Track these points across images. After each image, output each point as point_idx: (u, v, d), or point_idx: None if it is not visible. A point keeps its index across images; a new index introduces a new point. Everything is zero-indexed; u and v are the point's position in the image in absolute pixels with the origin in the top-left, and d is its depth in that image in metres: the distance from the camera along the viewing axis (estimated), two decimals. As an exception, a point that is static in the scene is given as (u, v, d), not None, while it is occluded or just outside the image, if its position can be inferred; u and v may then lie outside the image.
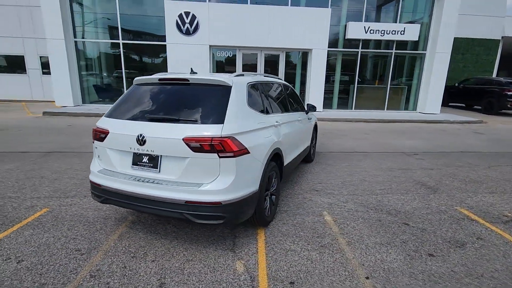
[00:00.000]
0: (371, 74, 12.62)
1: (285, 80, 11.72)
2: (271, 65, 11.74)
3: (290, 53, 11.70)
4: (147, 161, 2.37)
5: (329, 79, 11.97)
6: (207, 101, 2.43)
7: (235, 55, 11.35)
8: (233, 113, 2.37)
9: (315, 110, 4.83)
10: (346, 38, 11.34)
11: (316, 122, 5.46)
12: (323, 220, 3.13)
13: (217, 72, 11.69)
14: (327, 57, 11.33)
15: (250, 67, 11.62)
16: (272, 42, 10.98)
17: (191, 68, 2.92)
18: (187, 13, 10.51)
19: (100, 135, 2.52)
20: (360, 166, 5.19)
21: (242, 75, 2.94)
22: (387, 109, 12.44)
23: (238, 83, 2.62)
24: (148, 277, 2.17)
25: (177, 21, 10.56)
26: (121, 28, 11.07)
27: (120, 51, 11.30)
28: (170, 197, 2.22)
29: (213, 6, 10.66)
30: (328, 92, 12.06)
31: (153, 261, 2.37)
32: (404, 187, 4.18)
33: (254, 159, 2.45)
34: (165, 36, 10.83)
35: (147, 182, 2.32)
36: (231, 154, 2.20)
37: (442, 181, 4.49)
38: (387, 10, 11.92)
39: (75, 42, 11.13)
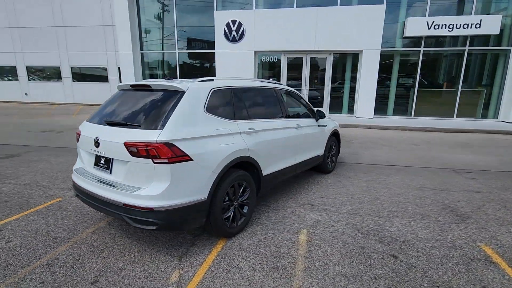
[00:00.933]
0: (437, 75, 10.90)
1: (333, 84, 11.09)
2: (317, 69, 11.26)
3: (338, 55, 11.00)
4: (104, 163, 2.52)
5: (383, 82, 10.83)
6: (158, 106, 2.46)
7: (280, 59, 11.24)
8: (178, 118, 2.34)
9: (323, 117, 4.43)
10: (404, 36, 10.09)
11: (335, 129, 4.99)
12: (295, 239, 2.82)
13: (262, 77, 11.79)
14: (381, 58, 10.27)
15: (295, 71, 11.36)
16: (319, 45, 10.52)
17: (166, 75, 3.00)
18: (233, 21, 10.90)
19: (77, 136, 2.80)
20: (383, 182, 4.53)
21: (212, 80, 2.88)
22: (457, 116, 10.56)
23: (196, 89, 2.57)
24: (88, 273, 2.30)
25: (224, 29, 11.05)
26: (178, 39, 12.15)
27: (176, 60, 12.39)
28: (112, 199, 2.32)
29: (259, 13, 10.81)
30: (382, 97, 10.92)
31: (104, 257, 2.50)
32: (423, 212, 3.47)
33: (200, 167, 2.36)
34: (214, 44, 11.44)
35: (100, 182, 2.47)
36: (166, 161, 2.17)
37: (483, 208, 3.57)
38: (456, 1, 10.17)
39: (141, 54, 12.67)
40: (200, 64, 12.79)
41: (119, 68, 15.97)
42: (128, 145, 2.24)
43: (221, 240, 2.79)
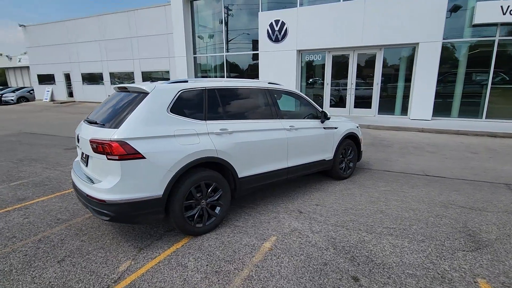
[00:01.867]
0: (520, 69, 8.90)
1: (384, 83, 10.06)
2: (365, 66, 10.37)
3: (389, 50, 9.92)
4: (84, 157, 2.84)
5: (447, 79, 9.35)
6: (125, 107, 2.64)
7: (325, 57, 10.72)
8: (136, 119, 2.48)
9: (325, 118, 4.10)
10: (473, 24, 8.52)
11: (351, 132, 4.55)
12: (258, 246, 2.70)
13: (306, 77, 11.44)
14: (443, 51, 8.89)
15: (341, 70, 10.68)
16: (367, 40, 9.68)
17: (151, 78, 3.20)
18: (276, 21, 10.84)
19: (77, 133, 3.22)
20: (402, 194, 3.96)
21: (186, 81, 2.95)
22: (548, 119, 8.44)
23: (160, 90, 2.69)
24: (61, 252, 2.62)
25: (267, 30, 11.08)
26: (226, 42, 12.69)
27: (224, 62, 12.96)
28: (81, 189, 2.60)
29: (302, 11, 10.50)
30: (445, 96, 9.45)
31: (82, 241, 2.81)
32: (429, 232, 2.91)
33: (154, 165, 2.46)
34: (258, 44, 11.59)
35: (81, 174, 2.80)
36: (116, 157, 2.33)
37: (517, 236, 2.81)
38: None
39: (194, 57, 13.64)
40: (247, 65, 13.10)
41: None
42: (91, 142, 2.48)
43: (186, 237, 2.85)
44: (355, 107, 10.63)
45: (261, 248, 2.66)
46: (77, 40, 20.76)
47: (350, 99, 10.58)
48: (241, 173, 3.11)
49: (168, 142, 2.58)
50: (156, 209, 2.53)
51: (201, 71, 14.07)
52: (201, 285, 2.18)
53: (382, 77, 10.06)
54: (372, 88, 10.26)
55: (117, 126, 2.45)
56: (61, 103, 22.34)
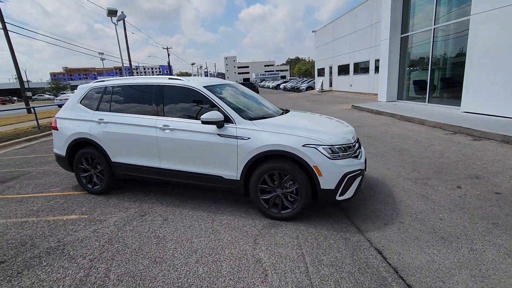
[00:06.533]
0: None
1: None
2: None
3: None
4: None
5: None
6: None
7: None
8: (65, 106, 4.07)
9: (229, 122, 3.04)
10: None
11: (277, 150, 2.86)
12: (72, 213, 3.38)
13: None
14: None
15: None
16: None
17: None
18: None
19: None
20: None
21: (102, 81, 3.94)
22: None
23: (80, 87, 4.03)
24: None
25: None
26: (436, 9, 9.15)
27: (430, 39, 9.49)
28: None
29: None
30: None
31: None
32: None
33: (61, 134, 3.93)
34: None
35: None
36: (52, 127, 4.11)
37: None
38: None
39: (401, 38, 11.15)
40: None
41: (375, 61, 16.49)
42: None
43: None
44: None
45: (69, 215, 3.34)
46: (338, 36, 23.47)
47: None
48: (114, 158, 3.69)
49: (70, 123, 3.92)
50: (64, 163, 4.06)
51: (408, 55, 11.20)
52: None
53: None
54: None
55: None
56: (322, 91, 26.91)
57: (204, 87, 3.36)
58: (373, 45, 17.38)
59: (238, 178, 3.07)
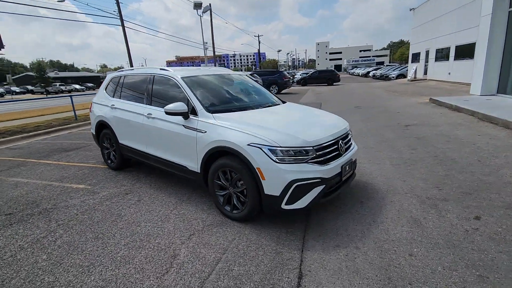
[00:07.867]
0: None
1: None
2: None
3: None
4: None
5: None
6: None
7: None
8: (98, 92, 4.79)
9: (194, 114, 3.08)
10: None
11: (225, 146, 2.71)
12: (83, 183, 4.05)
13: None
14: None
15: None
16: None
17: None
18: None
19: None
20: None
21: (121, 71, 4.43)
22: None
23: (106, 77, 4.61)
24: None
25: None
26: None
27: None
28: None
29: None
30: None
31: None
32: None
33: (93, 114, 4.68)
34: None
35: None
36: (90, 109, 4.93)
37: None
38: None
39: (509, 13, 8.51)
40: None
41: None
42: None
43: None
44: None
45: (80, 184, 4.02)
46: (439, 14, 19.50)
47: None
48: (121, 140, 4.19)
49: (98, 107, 4.61)
50: (96, 140, 4.84)
51: (524, 33, 8.45)
52: None
53: None
54: None
55: (98, 95, 4.96)
56: (413, 80, 23.19)
57: (182, 77, 3.41)
58: (483, 23, 13.79)
59: (199, 171, 3.07)
